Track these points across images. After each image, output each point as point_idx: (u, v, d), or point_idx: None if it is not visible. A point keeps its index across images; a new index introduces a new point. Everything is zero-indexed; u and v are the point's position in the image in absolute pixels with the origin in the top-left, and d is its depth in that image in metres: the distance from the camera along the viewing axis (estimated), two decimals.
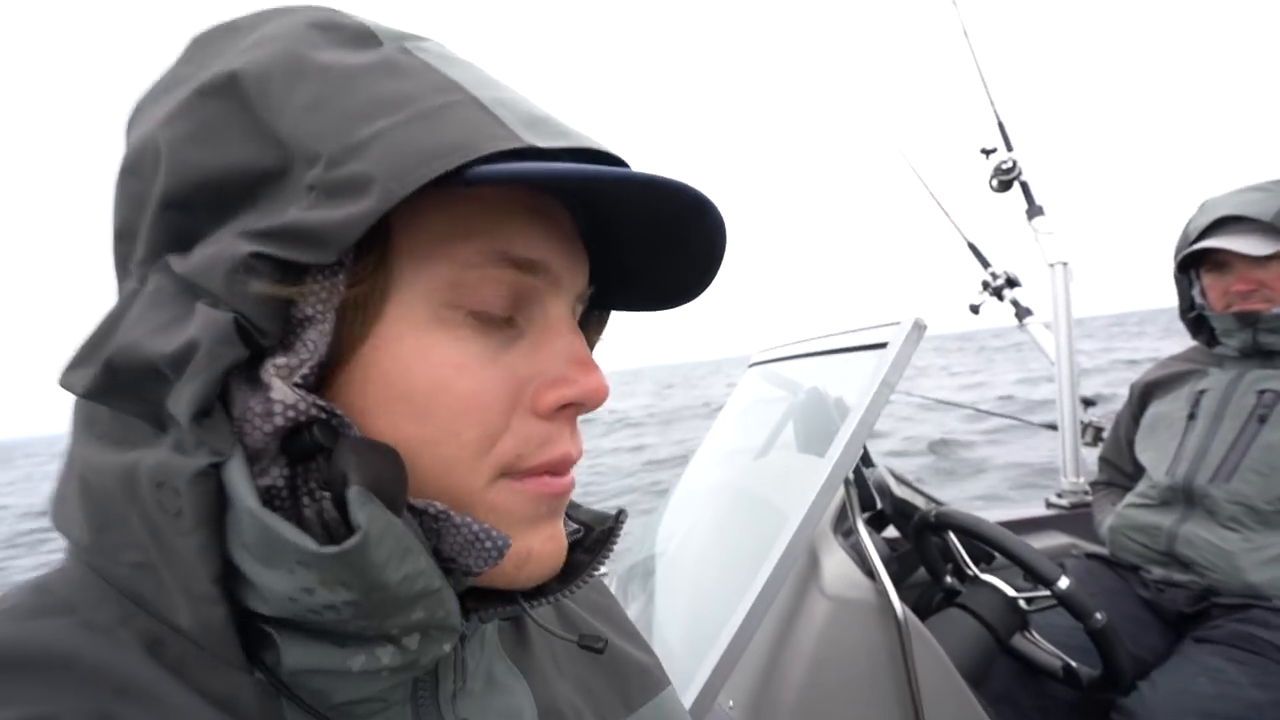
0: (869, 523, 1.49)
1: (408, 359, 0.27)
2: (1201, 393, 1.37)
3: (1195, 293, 1.45)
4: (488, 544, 0.28)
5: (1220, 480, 1.24)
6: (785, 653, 0.82)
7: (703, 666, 0.80)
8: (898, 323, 0.89)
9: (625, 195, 0.28)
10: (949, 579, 1.26)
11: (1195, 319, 1.45)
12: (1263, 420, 1.25)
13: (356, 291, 0.27)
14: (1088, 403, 2.48)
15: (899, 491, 1.48)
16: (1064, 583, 0.98)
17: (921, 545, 1.29)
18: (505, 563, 0.30)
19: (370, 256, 0.27)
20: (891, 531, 1.75)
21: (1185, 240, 1.41)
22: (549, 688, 0.38)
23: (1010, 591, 1.10)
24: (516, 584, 0.31)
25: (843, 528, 1.06)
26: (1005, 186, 2.53)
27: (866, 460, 1.57)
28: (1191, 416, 1.37)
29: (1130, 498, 1.40)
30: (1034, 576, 1.01)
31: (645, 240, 0.33)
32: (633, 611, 1.23)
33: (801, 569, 0.86)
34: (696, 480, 1.47)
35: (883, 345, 0.89)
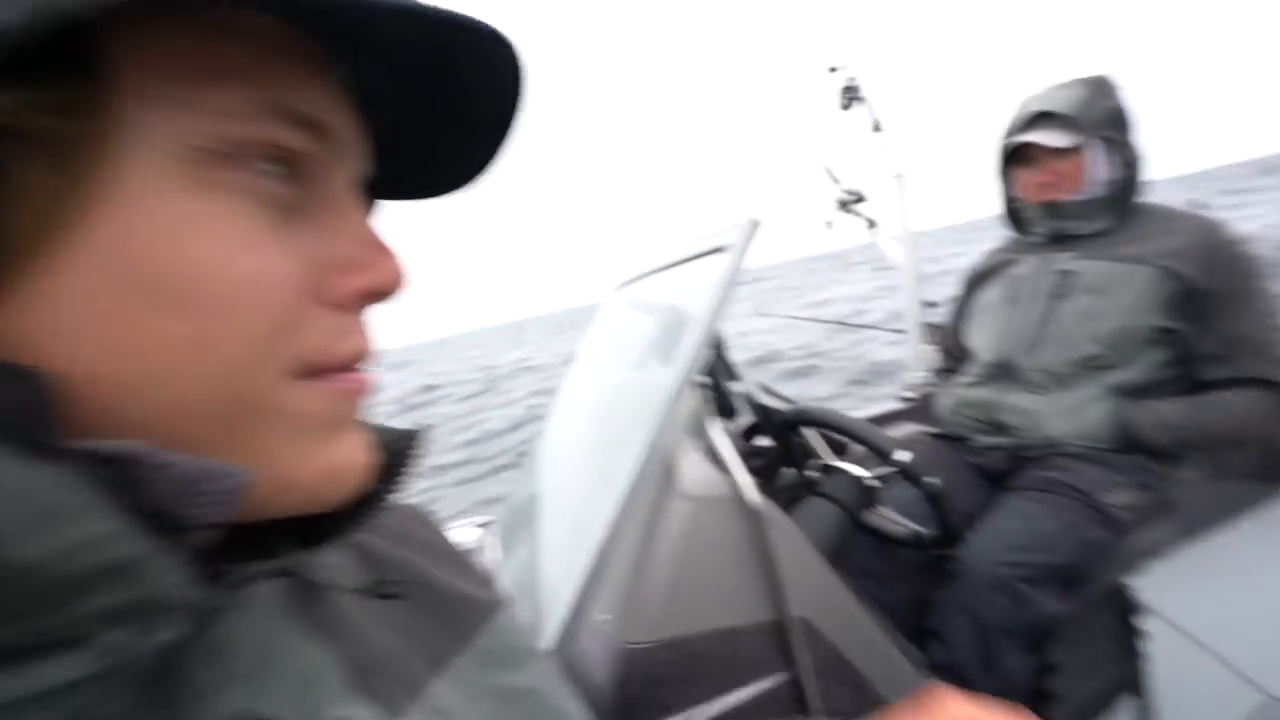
0: (746, 435, 1.56)
1: (157, 234, 0.20)
2: (1017, 279, 1.52)
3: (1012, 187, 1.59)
4: (214, 485, 0.21)
5: (1030, 352, 1.39)
6: (651, 557, 0.84)
7: (574, 583, 0.81)
8: (735, 226, 0.90)
9: (394, 32, 0.23)
10: (812, 473, 1.35)
11: (1013, 211, 1.59)
12: (1060, 297, 1.39)
13: (50, 126, 0.19)
14: (930, 305, 2.72)
15: (766, 400, 1.56)
16: (900, 455, 1.08)
17: (785, 444, 1.37)
18: (306, 482, 0.25)
19: (73, 82, 0.19)
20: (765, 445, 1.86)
21: (1004, 137, 1.53)
22: (362, 640, 0.31)
23: (860, 472, 1.20)
24: (318, 507, 0.26)
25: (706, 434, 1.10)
26: (850, 104, 2.64)
27: (733, 375, 1.63)
28: (1008, 300, 1.52)
29: (963, 378, 1.56)
30: (875, 452, 1.10)
31: (420, 98, 0.28)
32: (520, 552, 1.22)
33: (661, 477, 0.88)
34: (563, 412, 1.47)
35: (723, 249, 0.90)
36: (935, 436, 1.60)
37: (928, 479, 1.07)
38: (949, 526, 1.13)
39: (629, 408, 0.94)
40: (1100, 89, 1.40)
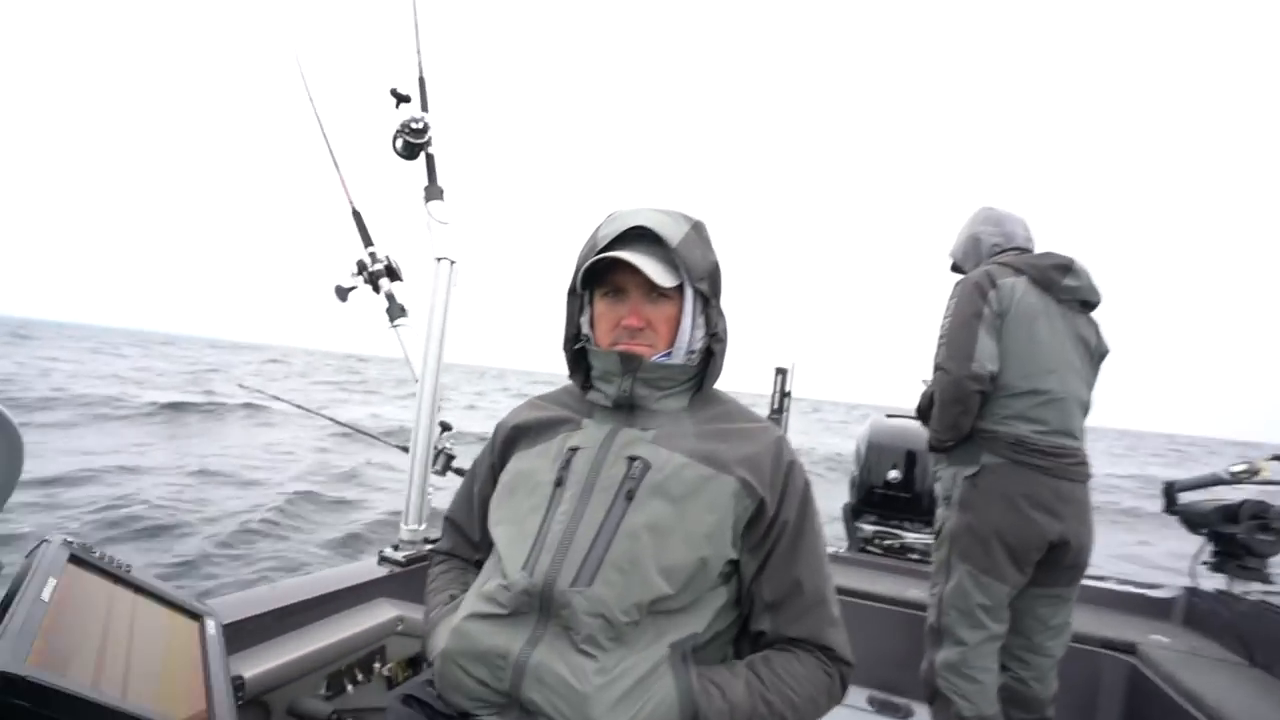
0: None
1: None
2: (574, 451, 1.00)
3: (585, 319, 1.11)
4: None
5: (583, 581, 0.85)
6: None
7: None
8: None
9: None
10: None
11: (578, 351, 1.11)
12: (629, 497, 0.91)
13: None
14: (445, 427, 2.12)
15: None
16: None
17: None
18: None
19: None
20: None
21: (590, 249, 1.08)
22: None
23: None
24: None
25: None
26: (412, 152, 1.99)
27: None
28: (559, 482, 0.98)
29: (475, 601, 0.90)
30: None
31: None
32: None
33: None
34: None
35: None
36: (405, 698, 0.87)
37: None
38: None
39: None
40: (701, 233, 1.09)
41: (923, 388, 2.10)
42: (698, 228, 1.02)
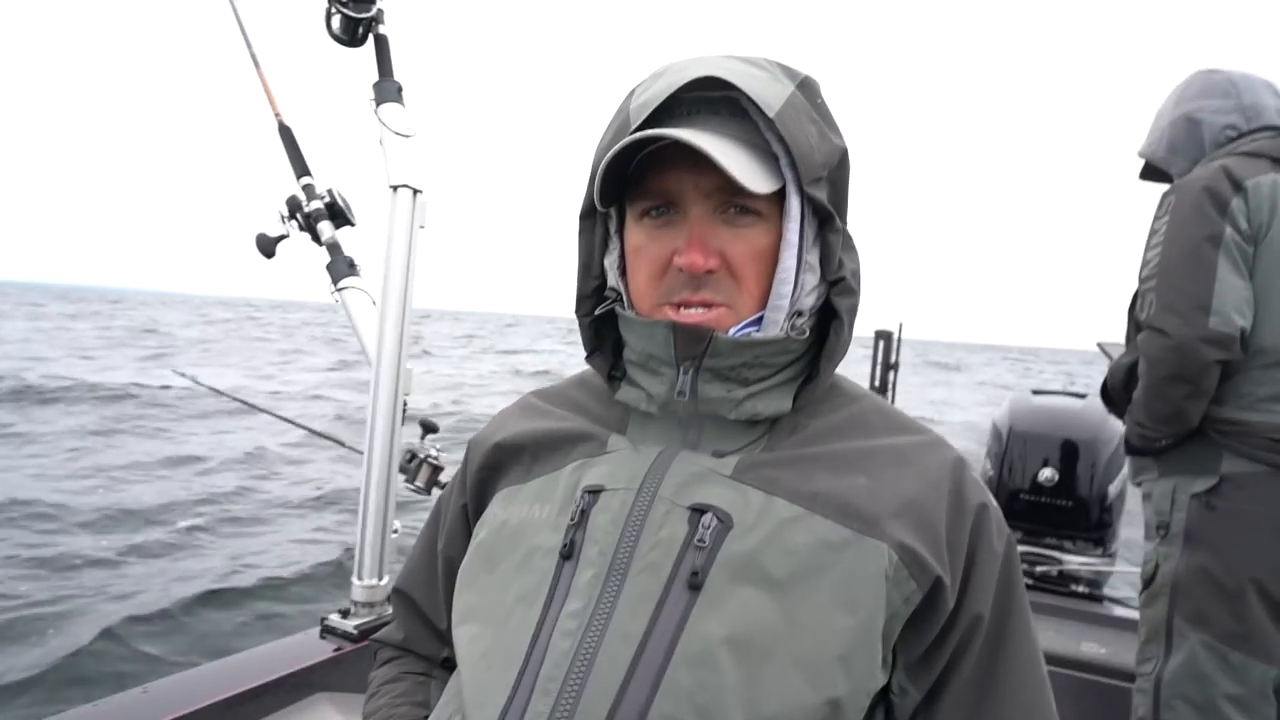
0: None
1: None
2: (593, 495, 0.59)
3: (612, 261, 0.64)
4: None
5: None
6: None
7: None
8: None
9: None
10: None
11: (600, 318, 0.66)
12: (695, 586, 0.53)
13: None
14: (428, 428, 1.53)
15: None
16: None
17: None
18: None
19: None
20: None
21: (620, 128, 0.59)
22: None
23: None
24: None
25: None
26: (354, 33, 1.38)
27: None
28: (567, 553, 0.57)
29: None
30: None
31: None
32: None
33: None
34: None
35: None
36: None
37: None
38: None
39: None
40: (814, 97, 0.61)
41: (1101, 354, 1.46)
42: (807, 88, 0.61)
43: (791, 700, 0.51)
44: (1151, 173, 1.47)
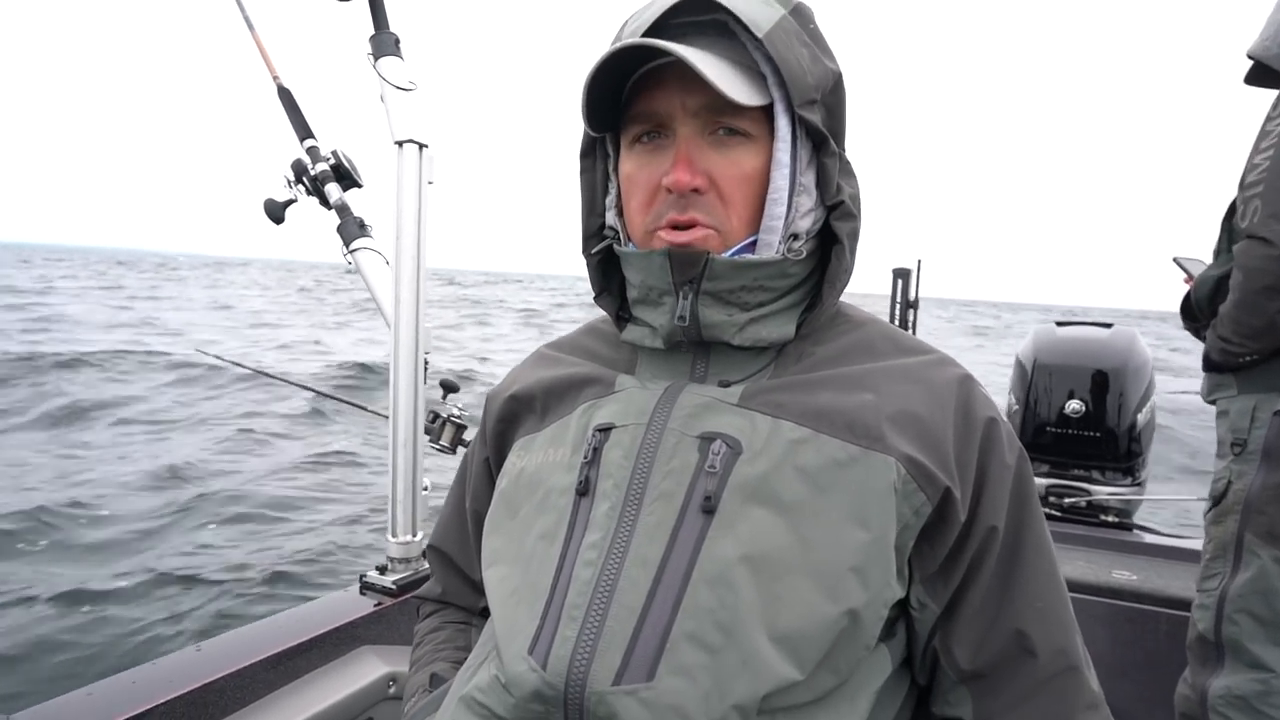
0: None
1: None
2: (604, 432, 0.62)
3: (611, 199, 0.66)
4: None
5: (637, 672, 0.51)
6: None
7: None
8: None
9: None
10: None
11: (604, 258, 0.69)
12: (708, 510, 0.55)
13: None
14: (449, 388, 1.54)
15: None
16: None
17: None
18: None
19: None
20: None
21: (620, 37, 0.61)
22: None
23: None
24: None
25: None
26: None
27: None
28: (583, 489, 0.59)
29: (457, 709, 0.54)
30: None
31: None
32: None
33: None
34: None
35: None
36: None
37: None
38: None
39: None
40: (806, 21, 0.61)
41: (1176, 270, 1.39)
42: (799, 13, 0.60)
43: (809, 613, 0.52)
44: (1261, 75, 1.34)
